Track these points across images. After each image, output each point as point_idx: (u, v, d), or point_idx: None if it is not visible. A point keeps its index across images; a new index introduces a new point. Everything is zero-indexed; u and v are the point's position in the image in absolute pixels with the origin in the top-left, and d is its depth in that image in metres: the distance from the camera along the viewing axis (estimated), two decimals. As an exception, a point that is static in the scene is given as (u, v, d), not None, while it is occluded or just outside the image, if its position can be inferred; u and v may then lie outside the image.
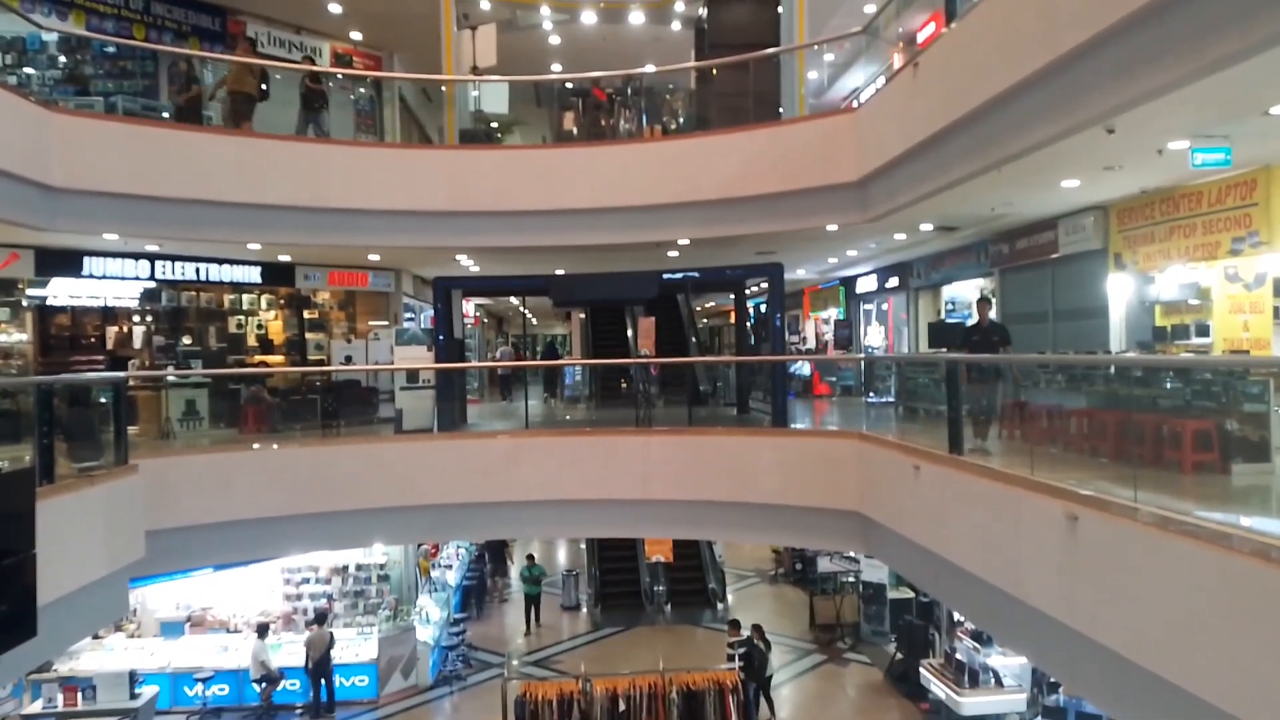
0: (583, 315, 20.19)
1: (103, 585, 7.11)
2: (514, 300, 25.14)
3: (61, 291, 12.51)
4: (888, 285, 18.46)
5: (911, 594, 14.71)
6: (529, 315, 30.69)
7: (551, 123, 15.84)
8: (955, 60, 7.75)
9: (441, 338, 13.67)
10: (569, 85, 15.71)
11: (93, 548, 6.96)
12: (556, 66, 18.49)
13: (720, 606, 17.27)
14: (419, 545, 15.77)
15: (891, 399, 11.35)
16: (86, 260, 12.27)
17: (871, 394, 12.28)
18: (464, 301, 18.51)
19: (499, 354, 27.55)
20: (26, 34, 12.30)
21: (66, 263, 12.11)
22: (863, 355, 18.55)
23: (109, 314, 13.22)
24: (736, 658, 12.25)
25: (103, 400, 8.40)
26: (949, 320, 15.59)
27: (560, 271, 14.86)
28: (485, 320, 31.46)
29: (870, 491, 8.92)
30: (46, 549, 5.46)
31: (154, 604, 13.84)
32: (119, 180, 9.82)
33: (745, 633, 13.22)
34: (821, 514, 9.52)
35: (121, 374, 9.73)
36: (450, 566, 18.10)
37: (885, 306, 19.61)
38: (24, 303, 12.30)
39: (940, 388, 8.13)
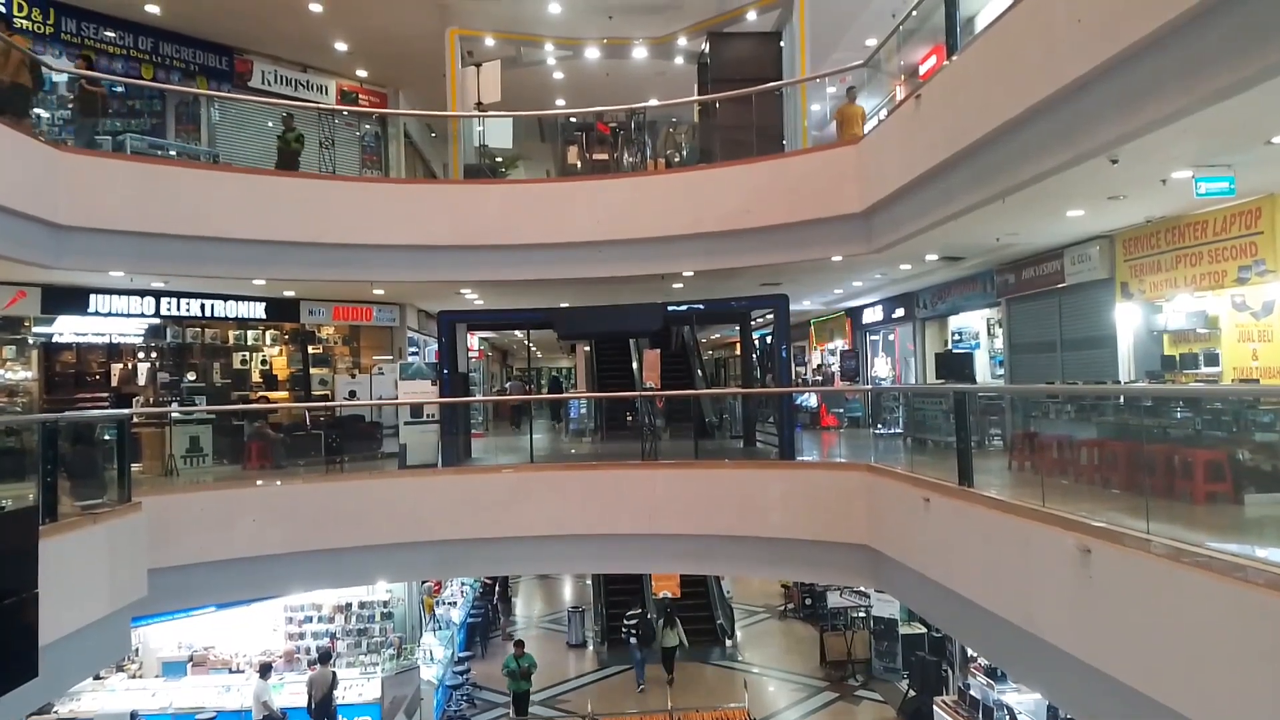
0: (588, 348, 20.18)
1: (105, 624, 7.02)
2: (518, 334, 25.16)
3: (67, 329, 12.56)
4: (894, 316, 18.43)
5: (924, 629, 14.52)
6: (534, 348, 30.70)
7: (555, 157, 15.94)
8: (957, 92, 7.78)
9: (446, 372, 13.65)
10: (573, 120, 15.83)
11: (95, 586, 6.89)
12: (560, 101, 18.68)
13: (729, 643, 17.02)
14: (423, 582, 15.63)
15: (900, 430, 11.26)
16: (92, 298, 12.36)
17: (879, 425, 12.19)
18: (468, 335, 18.50)
19: (508, 387, 27.73)
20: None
21: (72, 300, 12.19)
22: (871, 387, 18.45)
23: (114, 351, 13.25)
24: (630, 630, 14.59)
25: (107, 437, 8.35)
26: (956, 350, 15.54)
27: (565, 304, 14.86)
28: (490, 354, 31.48)
29: (880, 524, 8.82)
30: (49, 588, 5.37)
31: (156, 643, 13.64)
32: (125, 218, 9.89)
33: (637, 610, 15.33)
34: (831, 548, 9.41)
35: (125, 411, 9.70)
36: (454, 604, 17.91)
37: (891, 337, 19.56)
38: (30, 340, 12.33)
39: (950, 419, 8.04)
